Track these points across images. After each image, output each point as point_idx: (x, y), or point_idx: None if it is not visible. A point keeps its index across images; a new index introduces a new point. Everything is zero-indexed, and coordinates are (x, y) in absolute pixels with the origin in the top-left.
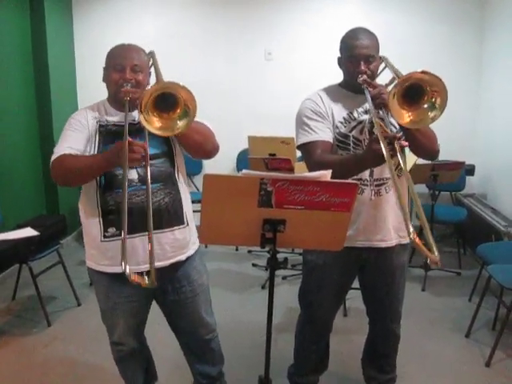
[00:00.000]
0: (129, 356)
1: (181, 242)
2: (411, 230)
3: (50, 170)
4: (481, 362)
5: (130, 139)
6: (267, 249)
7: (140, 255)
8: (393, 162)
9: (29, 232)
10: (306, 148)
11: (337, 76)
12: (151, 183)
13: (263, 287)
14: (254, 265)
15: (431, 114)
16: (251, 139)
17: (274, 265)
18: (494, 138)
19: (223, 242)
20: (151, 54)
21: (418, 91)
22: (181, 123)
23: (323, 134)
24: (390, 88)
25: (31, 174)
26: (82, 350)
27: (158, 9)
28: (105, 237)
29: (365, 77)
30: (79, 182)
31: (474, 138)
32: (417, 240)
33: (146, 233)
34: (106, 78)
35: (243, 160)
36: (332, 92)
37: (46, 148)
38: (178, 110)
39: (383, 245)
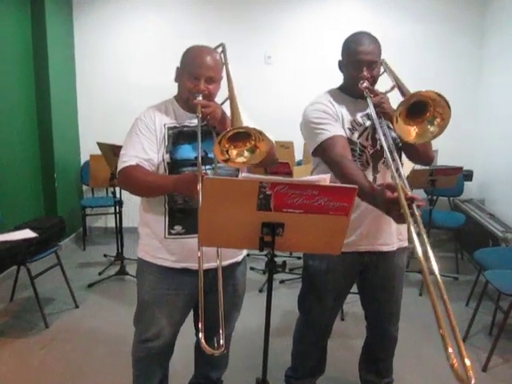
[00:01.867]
0: (156, 356)
1: None
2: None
3: (117, 177)
4: (478, 366)
5: (202, 174)
6: (265, 252)
7: (204, 254)
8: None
9: (27, 234)
10: (322, 147)
11: (336, 79)
12: None
13: (261, 291)
14: (252, 268)
15: (431, 129)
16: None
17: (272, 268)
18: (493, 144)
19: (222, 245)
20: (223, 49)
21: (421, 105)
22: (247, 154)
23: (338, 130)
24: (389, 94)
25: (30, 176)
26: (80, 351)
27: (158, 12)
28: (170, 234)
29: (366, 83)
30: (146, 195)
31: (473, 144)
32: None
33: None
34: (179, 80)
35: None
36: (337, 96)
37: (44, 150)
38: (248, 144)
39: (385, 249)
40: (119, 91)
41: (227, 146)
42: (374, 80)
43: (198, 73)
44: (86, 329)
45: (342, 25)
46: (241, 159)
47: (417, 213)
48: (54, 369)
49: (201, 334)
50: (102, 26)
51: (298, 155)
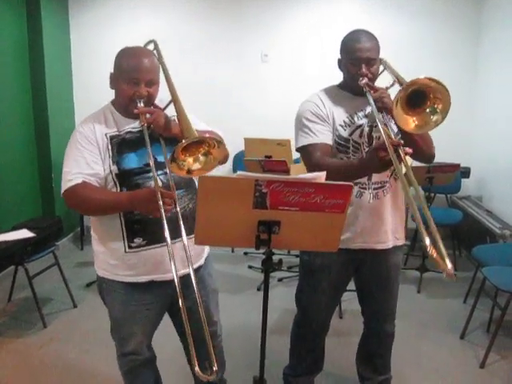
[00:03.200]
0: (142, 367)
1: (200, 247)
2: (427, 242)
3: (64, 198)
4: (475, 363)
5: (161, 190)
6: (263, 250)
7: (167, 263)
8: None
9: (25, 233)
10: (305, 150)
11: (333, 78)
12: (175, 189)
13: (259, 289)
14: (249, 267)
15: (434, 118)
16: (247, 141)
17: (268, 266)
18: (490, 141)
19: (218, 244)
20: (155, 46)
21: (420, 95)
22: (202, 158)
23: (323, 136)
24: (390, 90)
25: (27, 176)
26: (78, 351)
27: (155, 11)
28: (130, 247)
29: (366, 80)
30: (99, 215)
31: (470, 141)
32: (434, 254)
33: (175, 240)
34: (115, 86)
35: (239, 162)
36: (332, 94)
37: (42, 150)
38: (201, 150)
39: (380, 247)
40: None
41: (182, 157)
42: (373, 77)
43: (136, 77)
44: (84, 328)
45: (338, 23)
46: (197, 165)
47: (402, 154)
48: (52, 369)
49: (196, 367)
50: (99, 24)
51: (295, 153)
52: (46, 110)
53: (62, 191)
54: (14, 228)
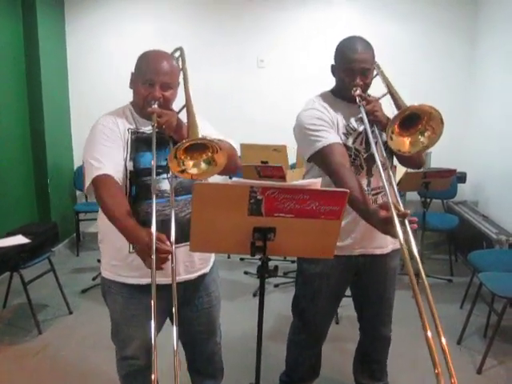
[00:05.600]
0: (140, 372)
1: (206, 254)
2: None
3: (93, 187)
4: (472, 368)
5: (158, 245)
6: (259, 257)
7: (169, 267)
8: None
9: (20, 239)
10: (321, 154)
11: (328, 83)
12: (183, 194)
13: (255, 295)
14: (245, 272)
15: (422, 139)
16: (243, 147)
17: (263, 273)
18: (486, 146)
19: (214, 250)
20: (181, 53)
21: (415, 116)
22: (203, 166)
23: (334, 137)
24: (383, 101)
25: (23, 181)
26: (73, 358)
27: (151, 17)
28: (134, 248)
29: (359, 91)
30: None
31: (466, 146)
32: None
33: (179, 244)
34: (133, 86)
35: None
36: (330, 101)
37: (37, 155)
38: (204, 156)
39: (379, 252)
40: (113, 95)
41: (183, 157)
42: (366, 86)
43: (152, 79)
44: (79, 335)
45: (335, 28)
46: (194, 170)
47: (409, 230)
48: (47, 376)
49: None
50: (95, 30)
51: (292, 158)
52: (42, 115)
53: (90, 180)
54: (9, 234)
